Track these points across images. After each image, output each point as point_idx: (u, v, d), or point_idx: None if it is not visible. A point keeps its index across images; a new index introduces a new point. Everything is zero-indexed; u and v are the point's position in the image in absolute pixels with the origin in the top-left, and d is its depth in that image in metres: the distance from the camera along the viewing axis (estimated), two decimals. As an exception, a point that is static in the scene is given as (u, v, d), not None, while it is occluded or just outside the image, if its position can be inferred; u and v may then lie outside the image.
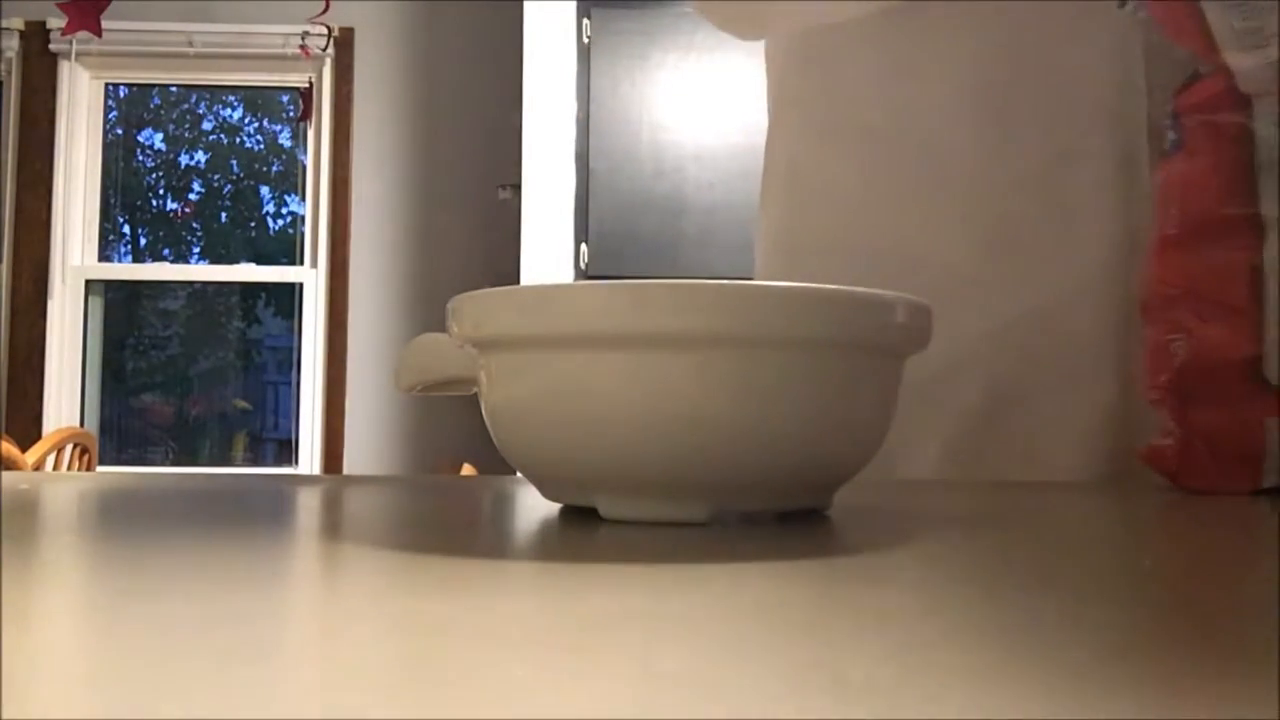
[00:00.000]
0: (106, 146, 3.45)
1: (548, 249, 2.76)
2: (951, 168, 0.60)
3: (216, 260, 3.66)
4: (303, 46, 3.26)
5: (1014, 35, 0.59)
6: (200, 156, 3.69)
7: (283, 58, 3.32)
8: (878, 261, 0.61)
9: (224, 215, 3.71)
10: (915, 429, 0.59)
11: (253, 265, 3.56)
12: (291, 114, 3.60)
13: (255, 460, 3.59)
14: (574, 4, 2.80)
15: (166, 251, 3.68)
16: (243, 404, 3.63)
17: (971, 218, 0.60)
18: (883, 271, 0.58)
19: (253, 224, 3.69)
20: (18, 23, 3.26)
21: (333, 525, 0.31)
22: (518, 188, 2.80)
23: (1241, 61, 0.42)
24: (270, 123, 3.71)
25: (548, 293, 0.29)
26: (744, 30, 0.70)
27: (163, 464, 3.57)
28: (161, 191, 3.67)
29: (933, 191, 0.61)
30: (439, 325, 0.34)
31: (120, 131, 3.56)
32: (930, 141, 0.61)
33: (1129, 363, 0.56)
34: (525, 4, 2.80)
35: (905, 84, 0.62)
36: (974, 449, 0.58)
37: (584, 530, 0.28)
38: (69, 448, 2.42)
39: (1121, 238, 0.57)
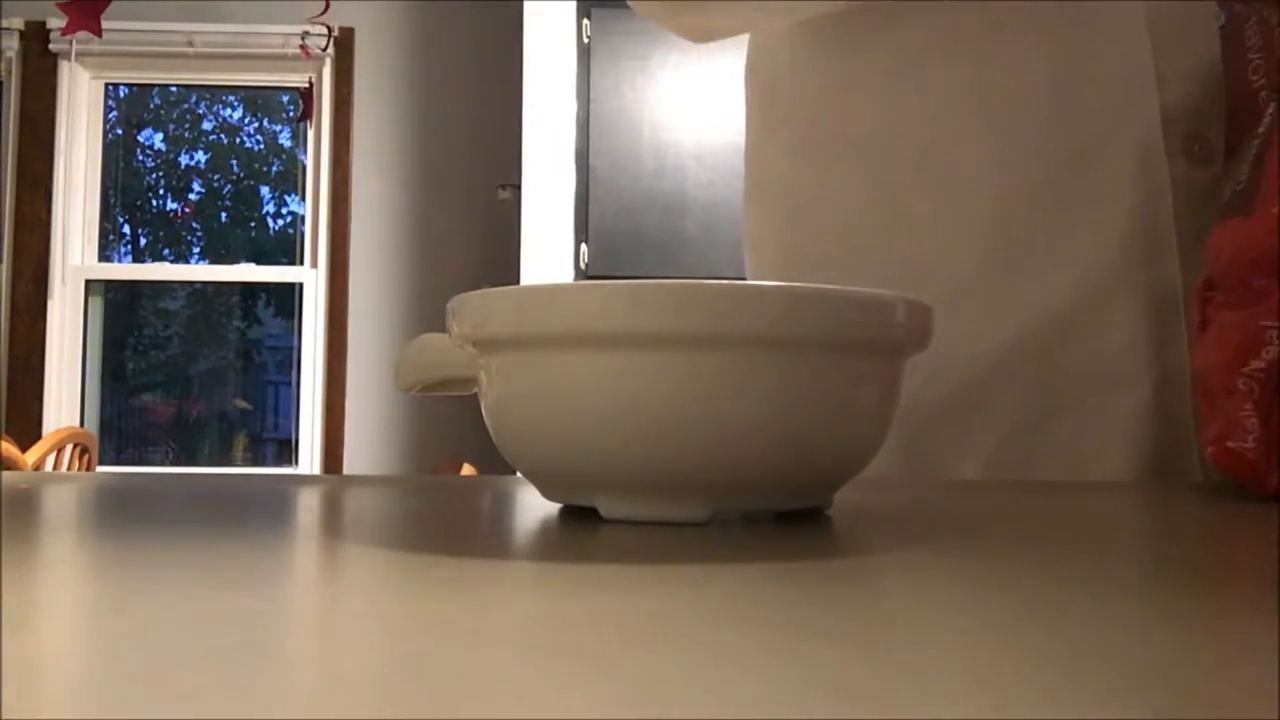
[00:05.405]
0: (106, 146, 3.45)
1: (548, 249, 2.76)
2: (957, 177, 0.59)
3: (216, 260, 3.66)
4: (303, 46, 3.26)
5: (1017, 40, 0.57)
6: (200, 156, 3.69)
7: (283, 58, 3.32)
8: (885, 276, 0.59)
9: (224, 215, 3.71)
10: (951, 447, 0.58)
11: (253, 265, 3.56)
12: (291, 114, 3.60)
13: (255, 460, 3.59)
14: (574, 4, 2.80)
15: (166, 251, 3.68)
16: (243, 404, 3.63)
17: (982, 227, 0.58)
18: (890, 286, 0.56)
19: (253, 224, 3.69)
20: (18, 23, 3.26)
21: (333, 525, 0.31)
22: (518, 188, 2.80)
23: None
24: (270, 123, 3.71)
25: (547, 293, 0.29)
26: (691, 33, 0.67)
27: (163, 464, 3.57)
28: (161, 191, 3.67)
29: (939, 202, 0.59)
30: (439, 325, 0.34)
31: (120, 131, 3.56)
32: (934, 151, 0.59)
33: (1162, 359, 0.54)
34: (525, 4, 2.80)
35: (905, 94, 0.60)
36: (1014, 463, 0.56)
37: (584, 530, 0.28)
38: (69, 448, 2.42)
39: (1142, 232, 0.55)
